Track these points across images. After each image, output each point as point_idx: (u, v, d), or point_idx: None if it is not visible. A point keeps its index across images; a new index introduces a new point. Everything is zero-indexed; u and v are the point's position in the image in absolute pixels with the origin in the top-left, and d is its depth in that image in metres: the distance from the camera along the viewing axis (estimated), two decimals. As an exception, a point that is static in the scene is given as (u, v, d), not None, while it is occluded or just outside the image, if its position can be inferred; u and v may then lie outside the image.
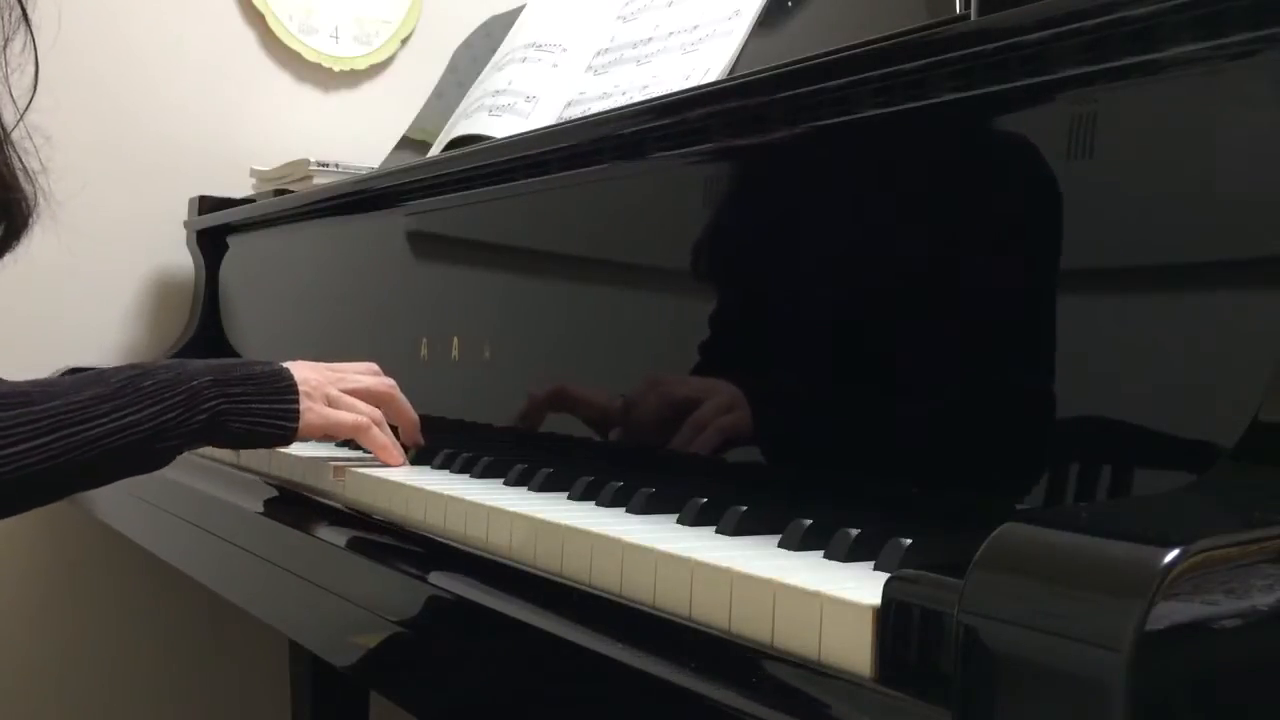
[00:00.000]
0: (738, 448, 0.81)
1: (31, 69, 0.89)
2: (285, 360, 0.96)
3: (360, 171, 1.55)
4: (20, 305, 1.66)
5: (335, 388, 0.96)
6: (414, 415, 1.03)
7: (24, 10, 0.87)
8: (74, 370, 1.57)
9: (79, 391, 0.82)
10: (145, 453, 0.85)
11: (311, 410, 0.93)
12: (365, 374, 1.00)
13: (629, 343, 0.93)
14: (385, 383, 1.01)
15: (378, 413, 0.98)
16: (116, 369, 0.87)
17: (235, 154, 1.82)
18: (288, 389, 0.92)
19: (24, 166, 0.87)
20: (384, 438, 0.97)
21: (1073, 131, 0.61)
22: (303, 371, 0.94)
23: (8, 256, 0.90)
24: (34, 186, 0.87)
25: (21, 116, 0.88)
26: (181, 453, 0.89)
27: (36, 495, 0.83)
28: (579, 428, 0.95)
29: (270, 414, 0.90)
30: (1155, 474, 0.57)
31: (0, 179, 0.84)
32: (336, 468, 0.98)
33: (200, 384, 0.87)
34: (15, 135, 0.87)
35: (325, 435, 0.96)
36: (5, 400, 0.80)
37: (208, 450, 1.25)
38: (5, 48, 0.86)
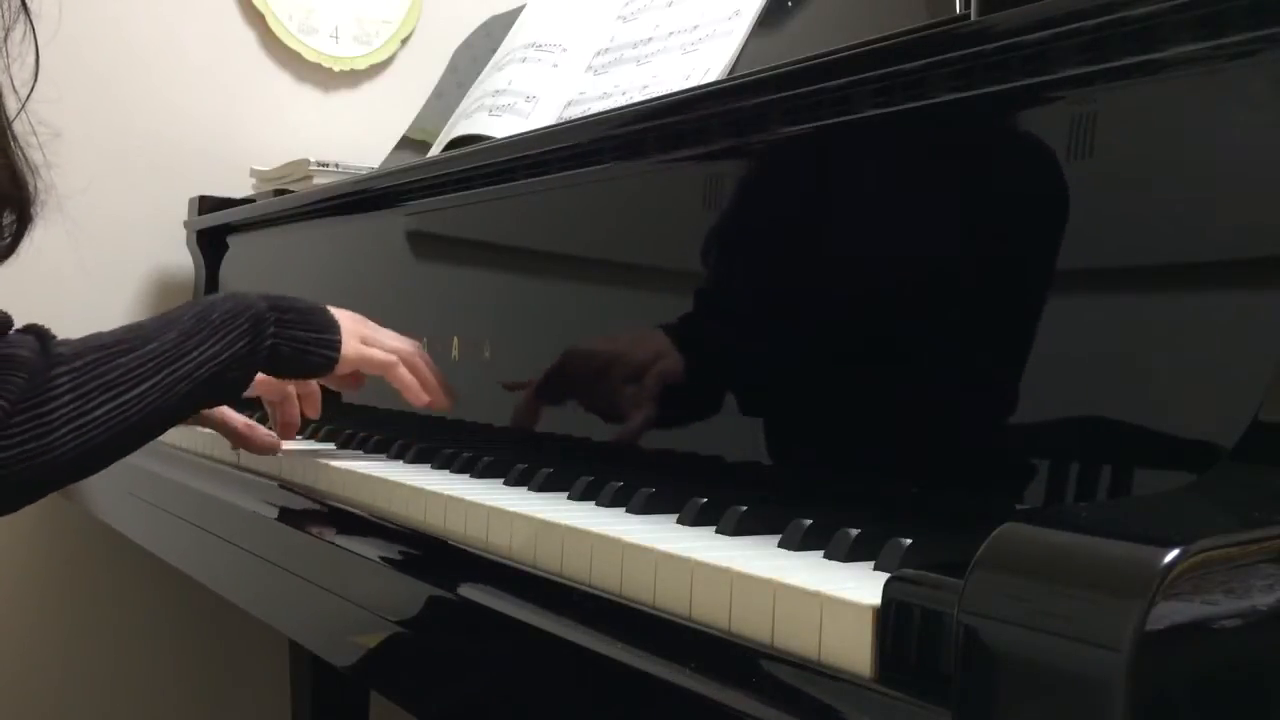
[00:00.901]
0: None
1: (31, 59, 0.89)
2: None
3: (360, 171, 1.55)
4: (20, 305, 1.64)
5: (370, 330, 1.02)
6: (431, 378, 1.05)
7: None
8: None
9: (164, 333, 0.88)
10: (223, 384, 0.91)
11: (349, 344, 0.99)
12: (393, 337, 1.05)
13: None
14: (411, 343, 1.06)
15: (406, 350, 1.03)
16: (179, 309, 0.92)
17: (235, 154, 1.82)
18: (331, 322, 0.98)
19: (26, 160, 0.87)
20: (409, 377, 1.02)
21: (1073, 131, 0.61)
22: (339, 313, 1.00)
23: (11, 256, 0.90)
24: (35, 179, 0.87)
25: (23, 106, 0.88)
26: (250, 382, 0.94)
27: (154, 431, 0.88)
28: (579, 428, 0.95)
29: (317, 343, 0.97)
30: (1155, 474, 0.57)
31: (11, 173, 0.84)
32: (336, 467, 0.98)
33: (260, 310, 0.93)
34: (18, 130, 0.87)
35: (356, 370, 1.01)
36: (115, 348, 0.85)
37: (208, 450, 1.26)
38: (5, 39, 0.86)
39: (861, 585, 0.51)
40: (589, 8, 1.25)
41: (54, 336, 0.85)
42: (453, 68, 1.60)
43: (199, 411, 0.94)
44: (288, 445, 1.11)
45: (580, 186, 0.98)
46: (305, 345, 0.95)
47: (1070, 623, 0.38)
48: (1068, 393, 0.61)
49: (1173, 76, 0.58)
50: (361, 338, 1.00)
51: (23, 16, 0.87)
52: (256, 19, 1.87)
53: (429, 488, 0.84)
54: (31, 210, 0.86)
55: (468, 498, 0.78)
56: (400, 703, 0.83)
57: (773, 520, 0.65)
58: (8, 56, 0.86)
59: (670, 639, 0.56)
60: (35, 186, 0.86)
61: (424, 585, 0.74)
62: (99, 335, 0.87)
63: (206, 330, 0.89)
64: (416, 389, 1.02)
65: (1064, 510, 0.53)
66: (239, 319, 0.91)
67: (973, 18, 0.66)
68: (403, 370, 1.02)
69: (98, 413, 0.82)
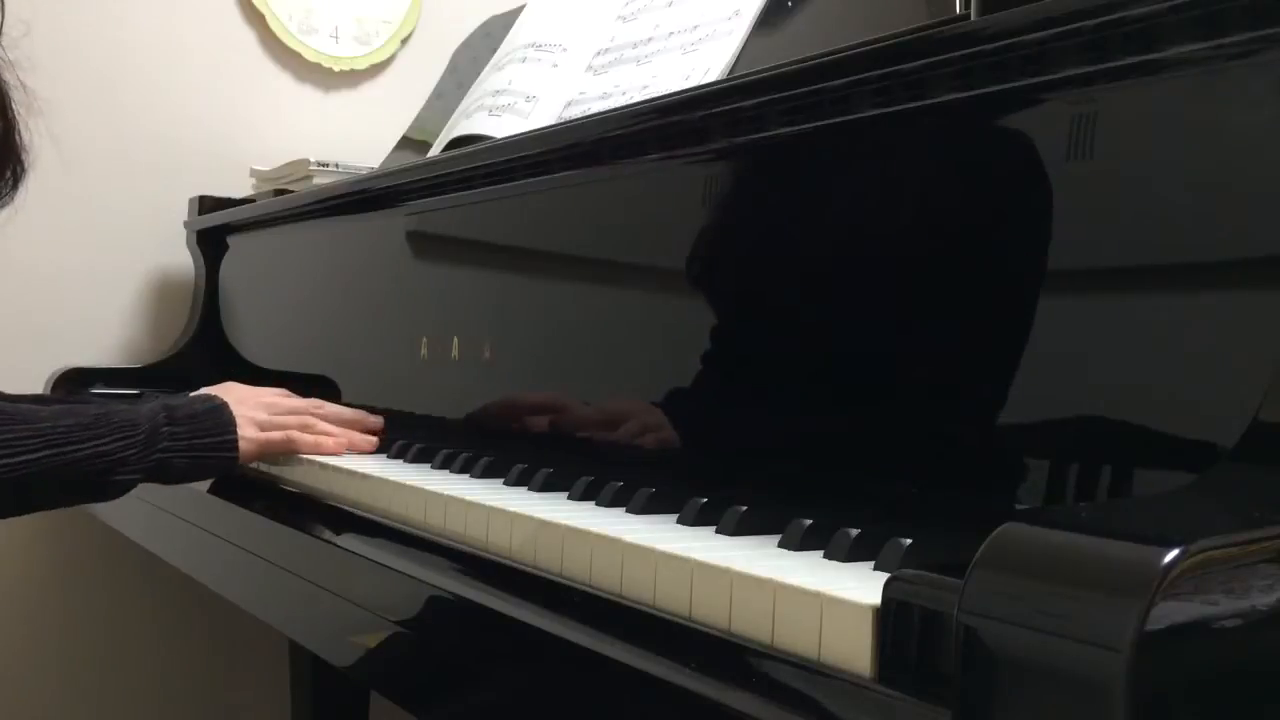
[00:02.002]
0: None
1: None
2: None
3: (360, 171, 1.55)
4: (21, 304, 1.65)
5: (264, 413, 1.06)
6: (348, 413, 1.11)
7: None
8: (75, 371, 1.58)
9: (60, 420, 0.92)
10: (107, 483, 0.94)
11: (247, 438, 1.02)
12: (291, 405, 1.10)
13: (629, 343, 0.93)
14: (310, 401, 1.11)
15: (302, 411, 1.08)
16: (84, 404, 0.97)
17: (235, 154, 1.82)
18: (226, 423, 1.01)
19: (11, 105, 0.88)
20: (311, 439, 1.06)
21: (1073, 131, 0.61)
22: (237, 406, 1.03)
23: (7, 210, 0.91)
24: (11, 108, 0.88)
25: None
26: (135, 486, 0.97)
27: (25, 505, 0.93)
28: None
29: (213, 446, 1.00)
30: (1155, 474, 0.57)
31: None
32: (336, 467, 0.98)
33: (157, 423, 0.96)
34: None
35: (261, 457, 1.06)
36: (13, 416, 0.90)
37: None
38: None
39: (861, 585, 0.51)
40: (589, 8, 1.25)
41: None
42: (453, 68, 1.60)
43: (74, 503, 0.98)
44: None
45: (580, 186, 0.98)
46: (200, 454, 0.99)
47: (1070, 623, 0.38)
48: (1068, 393, 0.61)
49: (1173, 76, 0.58)
50: (259, 424, 1.04)
51: None
52: (256, 19, 1.87)
53: (429, 488, 0.83)
54: (21, 154, 0.88)
55: (468, 498, 0.78)
56: (400, 703, 0.83)
57: (773, 520, 0.65)
58: None
59: (670, 639, 0.56)
60: (19, 117, 0.88)
61: (424, 585, 0.74)
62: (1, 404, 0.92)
63: (104, 428, 0.93)
64: (329, 446, 1.06)
65: (1064, 510, 0.53)
66: (136, 428, 0.95)
67: (973, 18, 0.66)
68: (307, 439, 1.05)
69: None
